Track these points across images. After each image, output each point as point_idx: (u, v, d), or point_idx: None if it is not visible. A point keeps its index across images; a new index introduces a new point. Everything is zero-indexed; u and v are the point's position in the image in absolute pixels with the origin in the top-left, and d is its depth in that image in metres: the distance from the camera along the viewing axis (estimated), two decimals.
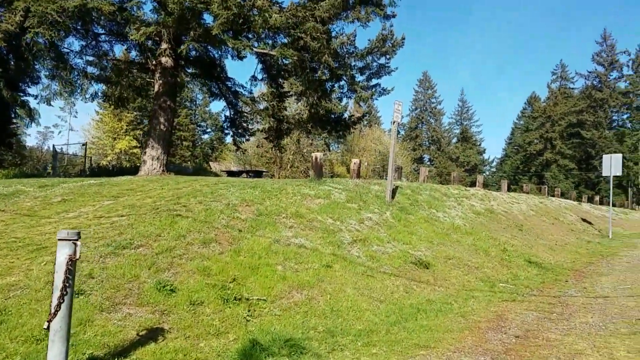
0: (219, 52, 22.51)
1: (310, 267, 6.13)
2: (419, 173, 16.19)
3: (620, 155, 16.32)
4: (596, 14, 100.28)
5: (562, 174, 57.63)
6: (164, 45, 17.90)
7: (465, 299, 6.31)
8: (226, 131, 28.29)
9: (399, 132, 78.09)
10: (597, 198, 26.40)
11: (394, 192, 11.37)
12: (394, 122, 10.24)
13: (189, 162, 63.37)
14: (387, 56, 20.31)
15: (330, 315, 5.01)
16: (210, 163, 57.01)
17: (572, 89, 63.23)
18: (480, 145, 74.40)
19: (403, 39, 19.69)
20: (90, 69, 19.79)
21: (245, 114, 25.17)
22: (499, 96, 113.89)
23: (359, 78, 21.49)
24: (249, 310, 4.69)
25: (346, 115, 28.61)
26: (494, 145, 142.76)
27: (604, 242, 14.38)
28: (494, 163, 76.28)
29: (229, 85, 23.51)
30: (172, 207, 7.13)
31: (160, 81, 18.63)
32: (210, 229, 6.35)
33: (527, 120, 68.59)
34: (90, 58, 19.73)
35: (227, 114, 25.14)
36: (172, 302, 4.60)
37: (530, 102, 70.04)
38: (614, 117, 60.52)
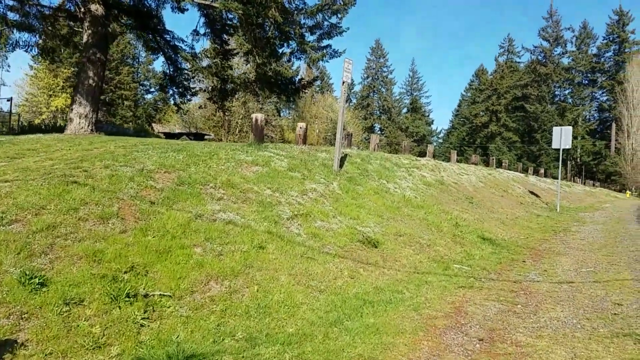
0: (156, 1, 20.31)
1: (237, 249, 5.06)
2: (369, 141, 15.33)
3: (570, 128, 16.22)
4: None
5: (506, 147, 59.37)
6: None
7: (417, 284, 5.50)
8: (167, 90, 26.19)
9: (350, 100, 77.62)
10: (542, 170, 26.97)
11: (342, 160, 10.41)
12: (343, 82, 9.16)
13: (130, 123, 59.57)
14: (339, 15, 19.01)
15: (256, 314, 3.99)
16: (153, 125, 53.82)
17: (518, 62, 64.58)
18: (429, 116, 75.14)
19: None
20: (11, 15, 17.09)
21: (187, 71, 23.14)
22: (448, 67, 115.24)
23: (310, 38, 20.10)
24: (145, 312, 3.58)
25: (297, 79, 27.23)
26: (442, 117, 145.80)
27: (552, 215, 14.29)
28: (442, 134, 77.57)
29: (168, 39, 21.31)
30: (69, 171, 5.74)
31: (90, 31, 16.43)
32: (112, 201, 5.08)
33: (474, 93, 69.70)
34: (11, 2, 17.03)
35: (167, 70, 23.11)
36: (38, 301, 3.40)
37: (478, 74, 71.06)
38: (556, 92, 62.56)
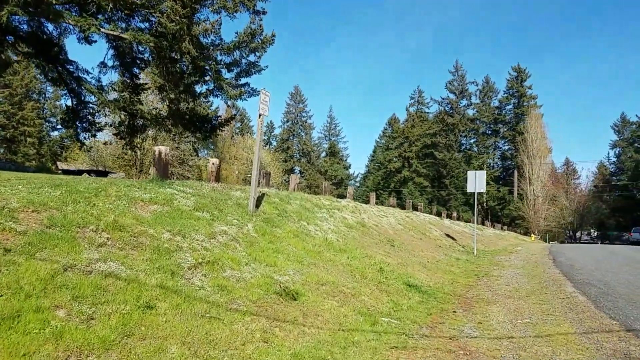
0: (58, 30, 18.58)
1: (116, 311, 3.89)
2: (289, 183, 14.62)
3: (484, 172, 16.77)
4: (451, 47, 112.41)
5: (418, 191, 61.96)
6: None
7: (343, 347, 4.64)
8: (66, 125, 23.83)
9: (270, 143, 77.46)
10: (454, 214, 28.01)
11: (259, 200, 9.49)
12: (260, 114, 8.41)
13: (33, 162, 54.05)
14: (257, 53, 18.57)
15: None
16: (58, 163, 49.13)
17: (428, 113, 68.94)
18: (346, 160, 77.07)
19: (273, 36, 18.15)
20: None
21: (91, 105, 21.14)
22: (364, 115, 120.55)
23: (227, 75, 19.36)
24: None
25: (214, 117, 26.20)
26: (358, 162, 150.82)
27: (471, 259, 14.33)
28: (358, 178, 79.61)
29: (71, 70, 19.43)
30: None
31: None
32: None
33: (387, 140, 72.93)
34: None
35: (70, 104, 21.01)
36: None
37: (391, 122, 74.79)
38: (462, 141, 67.32)
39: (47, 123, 65.06)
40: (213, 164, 9.62)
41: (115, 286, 4.28)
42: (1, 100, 56.23)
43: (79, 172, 24.13)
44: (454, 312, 6.85)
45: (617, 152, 68.86)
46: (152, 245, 5.33)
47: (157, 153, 8.03)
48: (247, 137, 65.38)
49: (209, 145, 63.28)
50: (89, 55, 62.16)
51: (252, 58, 19.18)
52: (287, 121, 76.18)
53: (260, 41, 18.13)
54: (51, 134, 65.12)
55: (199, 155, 52.43)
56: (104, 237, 5.07)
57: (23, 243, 4.36)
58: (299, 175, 71.25)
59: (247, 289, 5.41)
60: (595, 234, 67.94)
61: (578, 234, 66.42)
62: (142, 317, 4.00)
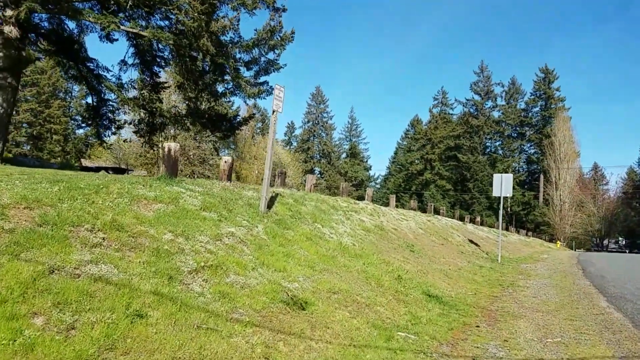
0: (79, 27, 18.64)
1: (101, 320, 3.52)
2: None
3: (510, 176, 16.04)
4: (477, 46, 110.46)
5: (440, 194, 60.84)
6: (8, 12, 14.07)
7: None
8: (88, 122, 23.98)
9: (290, 144, 77.35)
10: (478, 219, 27.13)
11: (272, 200, 9.10)
12: (273, 111, 8.01)
13: (58, 158, 55.22)
14: (276, 50, 18.26)
15: None
16: (82, 160, 50.07)
17: (451, 114, 67.64)
18: (367, 162, 76.43)
19: (293, 33, 17.80)
20: None
21: (112, 103, 21.16)
22: (385, 116, 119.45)
23: (246, 74, 19.09)
24: None
25: (233, 116, 26.07)
26: (379, 163, 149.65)
27: (495, 267, 13.65)
28: (379, 180, 78.80)
29: (91, 67, 19.46)
30: None
31: (1, 54, 14.59)
32: None
33: (409, 142, 71.94)
34: None
35: (90, 101, 21.12)
36: None
37: (413, 124, 73.71)
38: (487, 144, 65.84)
39: (72, 121, 66.34)
40: (225, 162, 9.26)
41: (104, 291, 3.92)
42: (29, 98, 57.55)
43: (98, 169, 24.23)
44: (477, 326, 6.30)
45: None
46: (151, 247, 4.97)
47: (166, 150, 7.71)
48: (267, 137, 65.28)
49: (230, 145, 63.56)
50: (111, 54, 63.01)
51: (271, 56, 18.89)
52: (308, 122, 75.98)
53: (279, 38, 17.80)
54: (76, 131, 66.38)
55: (220, 154, 52.63)
56: (99, 237, 4.73)
57: (8, 242, 4.04)
58: (319, 176, 71.01)
59: (252, 296, 4.99)
60: (624, 242, 65.61)
61: (605, 241, 64.19)
62: (129, 327, 3.62)
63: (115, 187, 6.05)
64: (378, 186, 76.76)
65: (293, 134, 79.82)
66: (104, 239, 4.77)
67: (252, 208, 8.03)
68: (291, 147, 76.16)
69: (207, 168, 48.43)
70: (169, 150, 7.67)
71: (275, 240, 7.08)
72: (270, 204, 8.82)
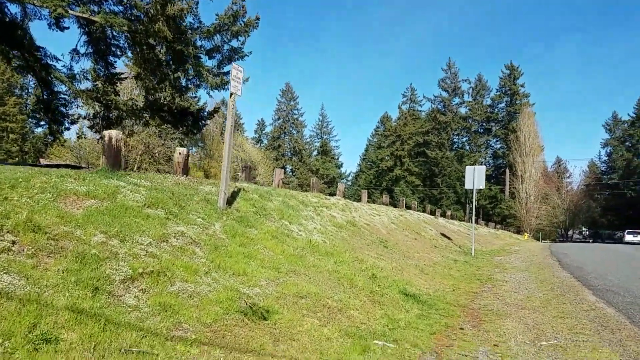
0: (22, 12, 17.14)
1: None
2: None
3: (483, 168, 15.65)
4: (444, 44, 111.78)
5: (410, 189, 60.95)
6: None
7: None
8: (37, 117, 22.36)
9: (261, 141, 76.02)
10: (448, 213, 26.91)
11: (233, 196, 8.26)
12: (231, 93, 7.18)
13: (16, 159, 52.24)
14: (240, 37, 17.26)
15: None
16: (41, 160, 47.50)
17: (420, 111, 67.85)
18: (338, 159, 75.92)
19: (257, 19, 16.83)
20: None
21: (63, 96, 19.65)
22: (356, 113, 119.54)
23: (208, 62, 18.05)
24: None
25: (202, 110, 24.90)
26: (350, 160, 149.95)
27: (470, 260, 13.20)
28: (350, 177, 78.54)
29: (39, 56, 17.94)
30: None
31: None
32: None
33: (379, 138, 71.90)
34: None
35: (40, 95, 19.59)
36: None
37: (383, 121, 73.69)
38: (454, 139, 66.42)
39: (30, 119, 63.09)
40: (180, 153, 8.34)
41: (2, 309, 3.03)
42: None
43: (45, 167, 22.66)
44: (462, 329, 5.67)
45: (608, 150, 68.45)
46: (75, 251, 4.07)
47: (106, 138, 6.74)
48: (237, 135, 64.00)
49: (198, 143, 61.86)
50: (63, 44, 60.01)
51: (235, 44, 17.94)
52: (278, 119, 74.78)
53: (243, 24, 16.84)
54: (35, 130, 63.15)
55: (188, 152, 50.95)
56: (7, 241, 3.80)
57: None
58: (291, 174, 70.08)
59: (202, 307, 4.17)
60: (587, 232, 67.52)
61: (570, 232, 65.95)
62: (30, 357, 2.75)
63: (37, 181, 5.09)
64: (349, 183, 76.41)
65: (263, 132, 78.52)
66: (14, 242, 3.84)
67: (210, 204, 7.17)
68: (262, 144, 74.89)
69: (172, 166, 46.83)
70: (110, 139, 6.71)
71: (235, 239, 6.25)
72: (232, 199, 7.98)
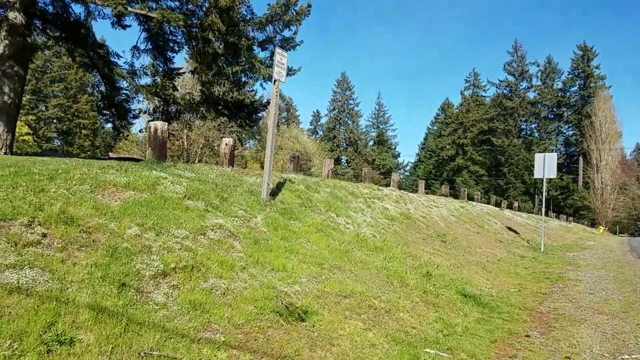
0: (85, 11, 17.95)
1: None
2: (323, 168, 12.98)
3: (555, 155, 14.38)
4: (510, 25, 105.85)
5: (473, 180, 58.47)
6: None
7: None
8: (105, 112, 23.49)
9: (316, 132, 76.15)
10: (515, 204, 25.28)
11: (279, 187, 8.00)
12: (274, 80, 6.88)
13: (88, 152, 55.95)
14: (292, 27, 17.05)
15: None
16: (110, 154, 50.52)
17: (484, 97, 64.61)
18: (395, 149, 74.42)
19: (309, 6, 16.43)
20: None
21: (125, 91, 20.49)
22: (414, 101, 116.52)
23: (261, 54, 18.04)
24: None
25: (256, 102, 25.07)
26: (408, 150, 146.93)
27: (538, 257, 12.17)
28: (408, 167, 76.80)
29: (102, 54, 18.75)
30: None
31: (6, 41, 13.95)
32: None
33: (440, 126, 69.45)
34: None
35: (103, 90, 20.54)
36: None
37: (444, 108, 71.02)
38: (522, 126, 62.73)
39: (100, 115, 66.97)
40: (226, 144, 8.19)
41: (19, 307, 2.90)
42: (57, 93, 58.39)
43: (122, 159, 23.76)
44: (528, 336, 5.04)
45: None
46: (107, 245, 3.93)
47: (152, 130, 6.69)
48: (292, 127, 64.49)
49: (255, 136, 62.95)
50: (126, 42, 62.82)
51: (287, 33, 17.78)
52: (334, 109, 74.45)
53: (294, 13, 16.58)
54: (105, 125, 67.05)
55: (243, 144, 52.04)
56: (37, 234, 3.72)
57: None
58: (346, 164, 69.68)
59: (235, 305, 3.90)
60: None
61: None
62: None
63: (77, 172, 5.05)
64: (407, 174, 74.72)
65: (319, 123, 78.58)
66: (44, 235, 3.75)
67: (254, 196, 6.94)
68: (317, 136, 75.02)
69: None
70: (155, 130, 6.65)
71: (277, 232, 5.97)
72: (277, 191, 7.72)
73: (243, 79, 19.82)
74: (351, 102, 73.93)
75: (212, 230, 5.03)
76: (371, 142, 74.31)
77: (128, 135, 34.22)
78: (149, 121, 22.26)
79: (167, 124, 6.77)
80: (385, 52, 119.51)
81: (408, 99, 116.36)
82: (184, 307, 3.61)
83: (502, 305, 6.41)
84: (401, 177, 71.67)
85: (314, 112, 79.29)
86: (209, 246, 4.72)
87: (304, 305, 4.36)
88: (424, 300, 5.75)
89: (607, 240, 21.85)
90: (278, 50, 6.81)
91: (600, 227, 42.22)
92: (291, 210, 7.05)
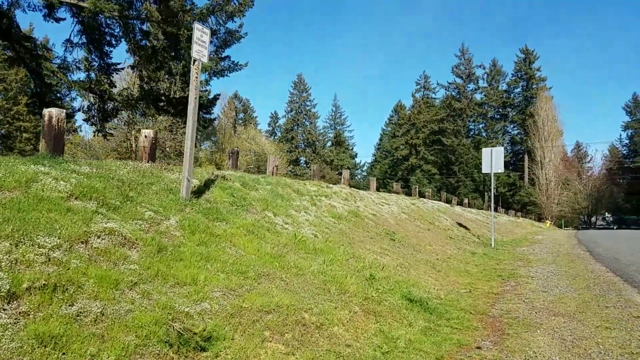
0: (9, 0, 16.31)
1: None
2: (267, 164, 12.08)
3: (502, 149, 14.18)
4: (457, 29, 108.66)
5: (426, 179, 59.32)
6: None
7: None
8: (35, 111, 21.57)
9: (275, 134, 75.00)
10: (466, 201, 25.32)
11: (207, 184, 7.06)
12: (194, 60, 5.96)
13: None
14: (236, 19, 16.16)
15: None
16: None
17: (434, 98, 66.00)
18: (352, 149, 74.67)
19: None
20: None
21: (57, 88, 18.81)
22: (369, 103, 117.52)
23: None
24: None
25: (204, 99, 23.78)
26: (365, 150, 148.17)
27: (489, 252, 11.80)
28: (365, 167, 77.19)
29: (29, 47, 17.05)
30: None
31: None
32: None
33: (394, 127, 70.31)
34: None
35: (33, 87, 18.86)
36: None
37: (397, 109, 71.92)
38: (470, 126, 64.40)
39: (34, 116, 62.83)
40: (146, 136, 7.12)
41: None
42: None
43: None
44: (479, 348, 4.38)
45: (629, 133, 65.45)
46: None
47: (46, 118, 5.57)
48: (250, 128, 63.14)
49: (211, 137, 61.03)
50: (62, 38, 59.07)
51: (231, 26, 16.81)
52: (291, 110, 73.67)
53: (237, 4, 15.62)
54: None
55: (198, 147, 50.20)
56: None
57: None
58: (305, 165, 68.95)
59: (109, 336, 2.95)
60: (611, 218, 64.88)
61: (593, 218, 63.36)
62: None
63: None
64: (365, 173, 75.06)
65: (277, 124, 77.52)
66: None
67: (172, 194, 5.97)
68: (275, 137, 73.98)
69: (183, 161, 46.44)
70: (50, 118, 5.54)
71: (194, 237, 5.03)
72: (204, 188, 6.78)
73: (185, 73, 18.66)
74: (308, 103, 73.52)
75: (99, 237, 4.03)
76: (329, 143, 74.17)
77: (69, 137, 31.95)
78: (84, 120, 20.57)
79: (64, 111, 5.67)
80: (342, 55, 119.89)
81: (364, 101, 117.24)
82: (27, 343, 2.64)
83: (451, 309, 5.76)
84: (358, 177, 71.82)
85: (271, 113, 78.20)
86: (90, 258, 3.73)
87: (210, 328, 3.46)
88: (364, 308, 4.99)
89: (554, 234, 22.19)
90: (197, 26, 5.89)
91: (547, 221, 43.62)
92: (217, 210, 6.13)
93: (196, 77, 5.99)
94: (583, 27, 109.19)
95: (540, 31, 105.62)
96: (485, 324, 5.31)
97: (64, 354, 2.68)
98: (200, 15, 15.90)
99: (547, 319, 5.44)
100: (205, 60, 6.07)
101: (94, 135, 26.36)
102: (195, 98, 5.96)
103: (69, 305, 3.09)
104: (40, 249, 3.49)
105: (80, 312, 3.07)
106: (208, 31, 6.06)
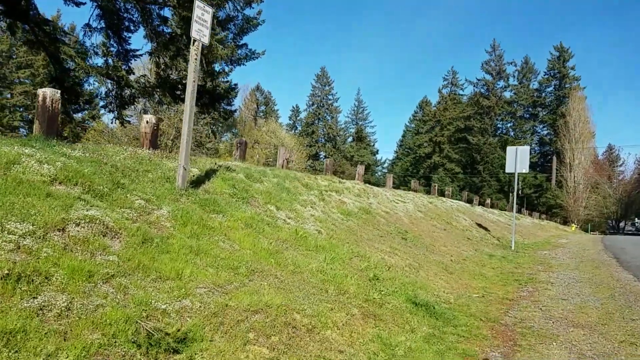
0: None
1: None
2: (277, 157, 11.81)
3: (527, 148, 13.57)
4: (488, 25, 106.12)
5: (449, 177, 58.22)
6: None
7: None
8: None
9: (295, 127, 74.82)
10: (488, 201, 24.58)
11: (208, 174, 6.82)
12: (193, 40, 5.70)
13: None
14: (254, 5, 15.92)
15: None
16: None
17: (462, 95, 64.47)
18: (374, 145, 73.85)
19: None
20: None
21: (75, 73, 18.93)
22: (394, 99, 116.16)
23: (221, 34, 16.83)
24: None
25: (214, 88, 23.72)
26: (386, 147, 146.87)
27: (508, 255, 11.29)
28: (386, 164, 76.34)
29: (48, 31, 17.18)
30: None
31: None
32: None
33: (418, 124, 69.23)
34: None
35: (51, 71, 19.01)
36: None
37: (422, 105, 70.72)
38: (498, 125, 62.73)
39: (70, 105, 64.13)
40: (147, 122, 6.92)
41: None
42: (23, 80, 55.58)
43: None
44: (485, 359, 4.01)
45: None
46: None
47: (40, 98, 5.41)
48: (270, 121, 63.10)
49: (232, 129, 61.27)
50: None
51: (249, 12, 16.60)
52: (313, 104, 73.26)
53: None
54: (75, 115, 64.22)
55: (216, 137, 50.41)
56: None
57: None
58: (324, 160, 68.63)
59: (72, 334, 2.72)
60: None
61: (621, 224, 61.17)
62: None
63: None
64: (385, 171, 74.18)
65: (298, 118, 77.25)
66: None
67: (169, 183, 5.75)
68: (296, 131, 73.78)
69: (204, 151, 46.76)
70: (44, 99, 5.37)
71: (185, 229, 4.79)
72: (204, 178, 6.55)
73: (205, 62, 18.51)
74: (330, 97, 72.94)
75: (78, 224, 3.80)
76: (350, 139, 73.53)
77: (82, 122, 32.50)
78: (102, 106, 20.65)
79: (58, 92, 5.50)
80: (366, 48, 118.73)
81: (387, 96, 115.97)
82: None
83: (459, 315, 5.39)
84: (378, 173, 71.02)
85: (293, 107, 77.91)
86: (65, 247, 3.51)
87: (186, 329, 3.20)
88: (363, 311, 4.66)
89: (579, 238, 21.34)
90: (198, 3, 5.60)
91: (573, 225, 42.27)
92: (215, 202, 5.87)
93: (195, 59, 5.74)
94: (622, 24, 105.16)
95: (577, 28, 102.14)
96: (496, 332, 4.92)
97: (16, 352, 2.45)
98: (218, 0, 15.73)
99: (565, 330, 5.01)
100: (205, 40, 5.80)
101: (111, 122, 26.50)
102: (194, 81, 5.71)
103: (32, 298, 2.86)
104: (10, 236, 3.28)
105: (44, 306, 2.84)
106: (210, 10, 5.78)
